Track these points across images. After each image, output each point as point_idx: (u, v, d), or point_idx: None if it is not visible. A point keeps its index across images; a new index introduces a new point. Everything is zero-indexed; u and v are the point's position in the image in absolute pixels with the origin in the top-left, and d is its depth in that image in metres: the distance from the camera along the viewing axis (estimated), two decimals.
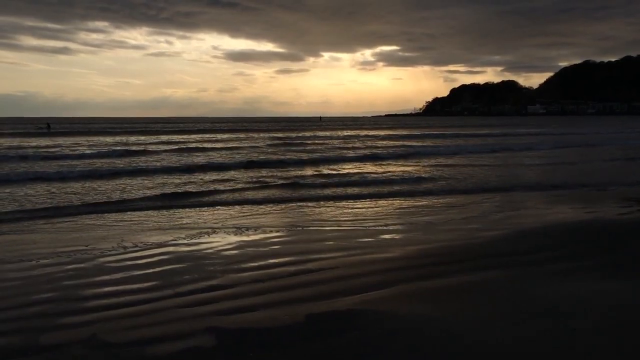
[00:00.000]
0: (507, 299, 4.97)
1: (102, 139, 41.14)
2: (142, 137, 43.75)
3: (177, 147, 30.87)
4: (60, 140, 36.75)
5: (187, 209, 11.00)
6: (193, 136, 46.91)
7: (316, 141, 37.73)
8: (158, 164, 21.03)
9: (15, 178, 16.10)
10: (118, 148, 28.55)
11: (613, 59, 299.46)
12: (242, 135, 48.41)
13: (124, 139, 41.14)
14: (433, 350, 3.90)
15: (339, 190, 13.65)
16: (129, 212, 10.59)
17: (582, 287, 5.31)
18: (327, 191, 13.56)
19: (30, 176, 16.53)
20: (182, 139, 41.64)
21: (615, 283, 5.43)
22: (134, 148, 28.90)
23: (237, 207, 11.22)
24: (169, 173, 18.13)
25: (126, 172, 18.17)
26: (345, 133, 54.84)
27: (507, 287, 5.33)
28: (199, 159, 23.46)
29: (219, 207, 11.34)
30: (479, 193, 12.85)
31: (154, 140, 38.50)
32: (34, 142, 35.10)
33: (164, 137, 43.99)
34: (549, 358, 3.77)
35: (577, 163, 21.77)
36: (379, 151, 27.89)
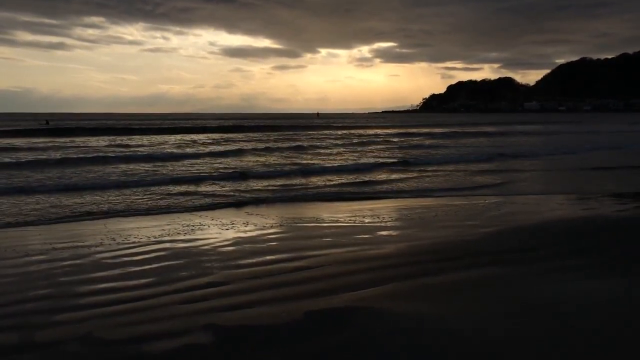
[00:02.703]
0: (505, 297, 4.95)
1: (171, 137, 37.62)
2: (230, 134, 40.43)
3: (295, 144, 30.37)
4: (135, 140, 33.52)
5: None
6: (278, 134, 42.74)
7: (401, 139, 36.14)
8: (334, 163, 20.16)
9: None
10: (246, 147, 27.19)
11: (610, 56, 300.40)
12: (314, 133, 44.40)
13: (193, 137, 37.48)
14: (432, 349, 3.88)
15: None
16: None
17: (579, 284, 5.29)
18: None
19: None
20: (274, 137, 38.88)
21: (613, 280, 5.42)
22: (262, 146, 28.24)
23: None
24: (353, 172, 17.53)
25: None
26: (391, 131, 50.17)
27: (505, 285, 5.31)
28: (339, 159, 22.29)
29: None
30: None
31: (245, 138, 36.17)
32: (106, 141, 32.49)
33: (251, 135, 40.68)
34: (548, 356, 3.75)
35: None
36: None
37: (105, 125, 57.36)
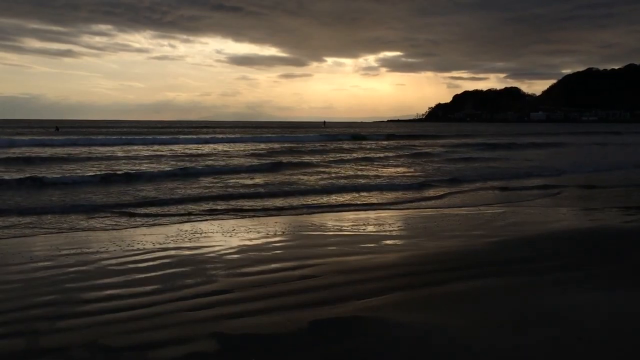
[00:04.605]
0: (510, 307, 4.91)
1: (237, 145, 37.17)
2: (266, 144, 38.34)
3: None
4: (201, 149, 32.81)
5: None
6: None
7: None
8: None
9: None
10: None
11: (616, 67, 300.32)
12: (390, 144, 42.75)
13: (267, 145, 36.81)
14: (437, 358, 3.85)
15: None
16: None
17: (587, 295, 5.25)
18: None
19: None
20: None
21: (621, 292, 5.37)
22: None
23: None
24: None
25: None
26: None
27: (510, 295, 5.28)
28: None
29: None
30: None
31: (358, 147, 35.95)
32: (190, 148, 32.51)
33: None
34: None
35: None
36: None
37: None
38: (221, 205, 11.81)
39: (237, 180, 16.65)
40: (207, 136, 52.02)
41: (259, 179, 17.06)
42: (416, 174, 19.32)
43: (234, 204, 12.13)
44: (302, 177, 17.92)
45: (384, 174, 19.26)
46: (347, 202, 12.63)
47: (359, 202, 12.55)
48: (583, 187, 15.51)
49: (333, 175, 18.80)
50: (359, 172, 19.73)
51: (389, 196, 13.73)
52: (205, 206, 11.73)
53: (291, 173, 19.23)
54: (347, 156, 27.94)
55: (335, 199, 13.14)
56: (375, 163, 24.41)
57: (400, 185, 15.81)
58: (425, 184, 16.13)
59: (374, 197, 13.46)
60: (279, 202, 12.49)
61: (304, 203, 12.35)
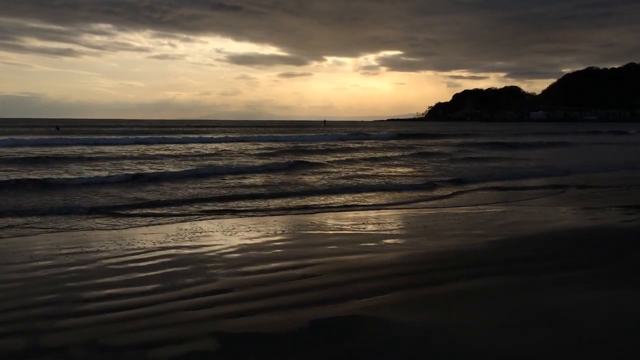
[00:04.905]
0: (511, 307, 4.91)
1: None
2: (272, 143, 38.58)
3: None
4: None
5: None
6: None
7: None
8: None
9: None
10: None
11: (616, 66, 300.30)
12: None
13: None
14: (437, 358, 3.86)
15: None
16: None
17: (587, 295, 5.25)
18: None
19: None
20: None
21: (621, 292, 5.37)
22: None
23: None
24: None
25: None
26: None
27: (510, 295, 5.28)
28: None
29: None
30: None
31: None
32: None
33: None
34: None
35: None
36: None
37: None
38: (246, 206, 11.76)
39: (259, 180, 16.82)
40: (211, 135, 52.22)
41: (278, 178, 17.26)
42: (421, 173, 19.35)
43: (270, 203, 12.14)
44: (315, 176, 18.00)
45: (390, 174, 19.29)
46: (359, 202, 12.64)
47: (366, 203, 12.57)
48: (589, 187, 15.37)
49: (342, 174, 18.91)
50: (368, 172, 19.75)
51: (397, 195, 13.79)
52: (232, 205, 11.84)
53: (304, 173, 19.33)
54: (354, 156, 28.13)
55: (352, 197, 13.22)
56: (381, 163, 24.45)
57: (406, 185, 15.82)
58: (431, 183, 16.12)
59: (385, 197, 13.51)
60: (303, 201, 12.58)
61: (325, 203, 12.40)
